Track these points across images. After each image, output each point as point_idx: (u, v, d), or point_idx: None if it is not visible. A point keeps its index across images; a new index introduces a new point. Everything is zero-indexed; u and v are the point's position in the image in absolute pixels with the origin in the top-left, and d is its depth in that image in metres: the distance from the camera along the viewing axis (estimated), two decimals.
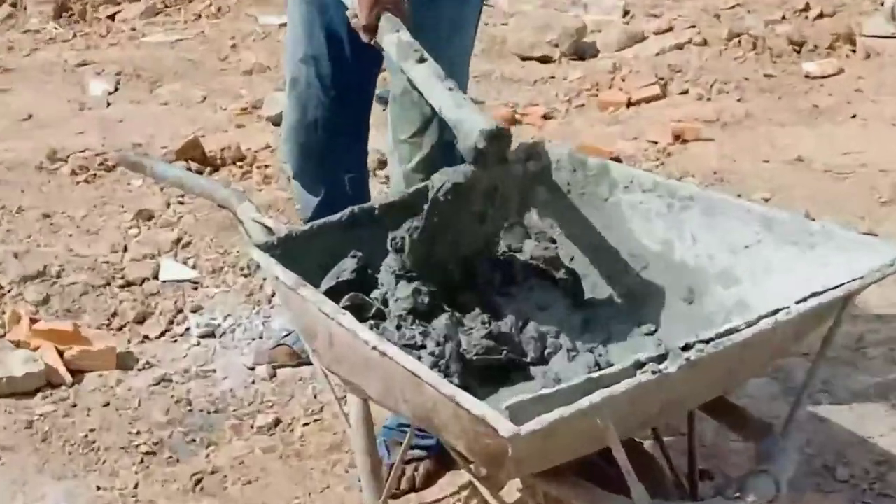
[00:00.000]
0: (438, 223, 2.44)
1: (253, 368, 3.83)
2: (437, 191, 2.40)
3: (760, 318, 2.02)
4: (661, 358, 1.90)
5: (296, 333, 3.73)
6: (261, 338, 4.02)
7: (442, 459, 3.21)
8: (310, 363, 3.72)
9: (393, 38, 2.62)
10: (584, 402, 1.81)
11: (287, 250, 2.59)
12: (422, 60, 2.53)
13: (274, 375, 3.79)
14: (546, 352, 2.43)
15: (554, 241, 2.81)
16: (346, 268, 2.54)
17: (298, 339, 3.71)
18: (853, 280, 2.16)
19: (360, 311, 2.42)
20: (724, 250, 2.52)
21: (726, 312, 2.46)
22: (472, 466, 2.53)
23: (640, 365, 1.89)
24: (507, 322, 2.46)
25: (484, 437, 1.87)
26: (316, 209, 3.29)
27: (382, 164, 5.24)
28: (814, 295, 2.10)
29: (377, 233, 2.64)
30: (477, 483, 2.49)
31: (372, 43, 2.72)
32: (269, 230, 2.81)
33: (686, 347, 1.93)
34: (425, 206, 2.42)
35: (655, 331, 2.57)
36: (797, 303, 2.06)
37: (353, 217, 2.68)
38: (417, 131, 3.03)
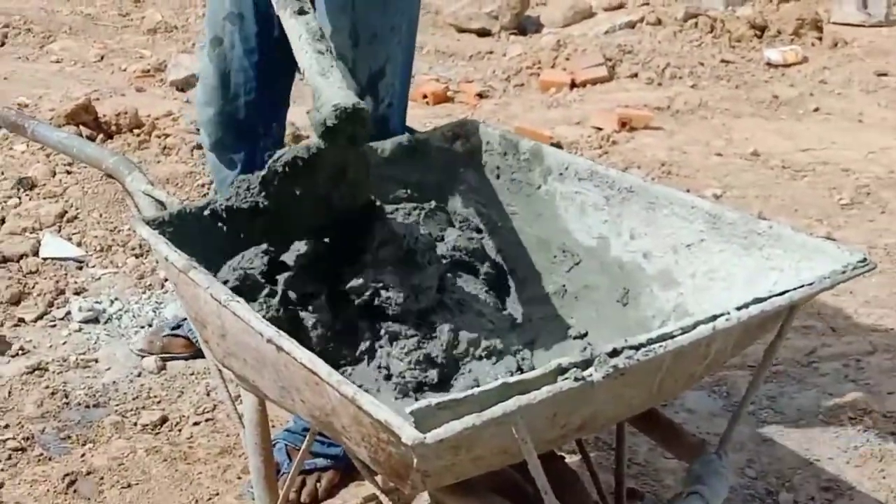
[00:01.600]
0: (277, 198, 2.40)
1: (142, 356, 3.77)
2: (274, 161, 2.37)
3: (697, 324, 2.00)
4: (586, 364, 1.87)
5: (190, 322, 3.70)
6: (150, 326, 3.97)
7: (347, 470, 3.19)
8: (202, 356, 3.70)
9: None
10: (498, 409, 1.78)
11: (180, 228, 2.54)
12: (301, 12, 2.47)
13: (163, 368, 3.75)
14: (461, 351, 2.40)
15: (480, 231, 2.79)
16: (255, 266, 2.50)
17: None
18: (801, 287, 2.15)
19: (252, 293, 2.40)
20: (665, 249, 2.51)
21: (664, 317, 2.45)
22: (376, 478, 2.51)
23: (562, 370, 1.85)
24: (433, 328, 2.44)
25: (387, 445, 1.84)
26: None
27: (297, 139, 5.21)
28: (756, 301, 2.08)
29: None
30: (381, 496, 2.46)
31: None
32: (162, 205, 2.77)
33: (614, 353, 1.90)
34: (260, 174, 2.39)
35: (586, 334, 2.56)
36: (738, 309, 2.05)
37: None
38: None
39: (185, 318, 3.79)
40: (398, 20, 3.00)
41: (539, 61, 6.81)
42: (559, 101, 6.30)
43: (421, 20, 7.55)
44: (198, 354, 3.73)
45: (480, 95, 6.36)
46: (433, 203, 2.76)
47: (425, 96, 6.17)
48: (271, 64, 3.24)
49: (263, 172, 2.37)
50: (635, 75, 6.61)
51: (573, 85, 6.50)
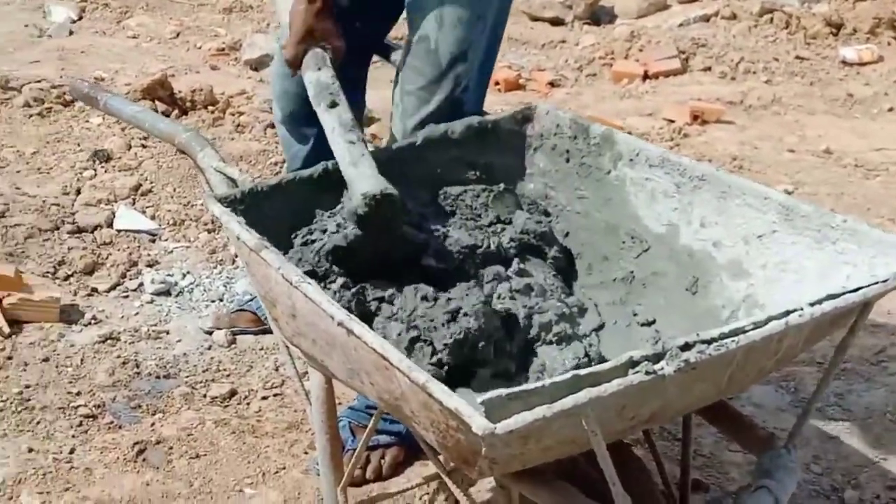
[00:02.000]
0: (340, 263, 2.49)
1: (210, 332, 3.82)
2: (319, 248, 2.46)
3: (769, 319, 1.98)
4: (658, 357, 1.86)
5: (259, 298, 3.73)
6: (221, 300, 4.01)
7: (411, 447, 3.20)
8: (270, 332, 3.73)
9: (312, 76, 2.71)
10: (569, 401, 1.77)
11: (251, 206, 2.56)
12: (333, 105, 2.62)
13: (233, 342, 3.78)
14: (533, 335, 2.41)
15: (548, 214, 2.80)
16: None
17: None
18: (875, 283, 2.13)
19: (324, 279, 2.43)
20: (736, 239, 2.50)
21: (733, 307, 2.44)
22: (440, 460, 2.52)
23: (633, 363, 1.84)
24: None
25: (456, 433, 1.84)
26: (305, 159, 3.26)
27: (369, 120, 5.23)
28: (830, 297, 2.06)
29: None
30: (445, 478, 2.47)
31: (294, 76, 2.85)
32: (233, 182, 2.79)
33: (685, 347, 1.88)
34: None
35: (654, 321, 2.55)
36: (811, 305, 2.03)
37: (327, 173, 2.66)
38: (428, 83, 2.98)
39: (249, 295, 3.82)
40: (485, 10, 3.00)
41: (612, 52, 6.79)
42: (631, 93, 6.29)
43: None
44: (266, 330, 3.76)
45: (552, 84, 6.36)
46: (501, 186, 2.77)
47: (497, 83, 6.17)
48: (350, 38, 3.25)
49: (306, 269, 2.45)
50: (709, 69, 6.57)
51: (646, 76, 6.48)
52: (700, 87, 6.32)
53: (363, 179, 2.43)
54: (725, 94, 6.20)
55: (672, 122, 5.76)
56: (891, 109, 6.10)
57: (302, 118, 3.31)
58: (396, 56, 3.61)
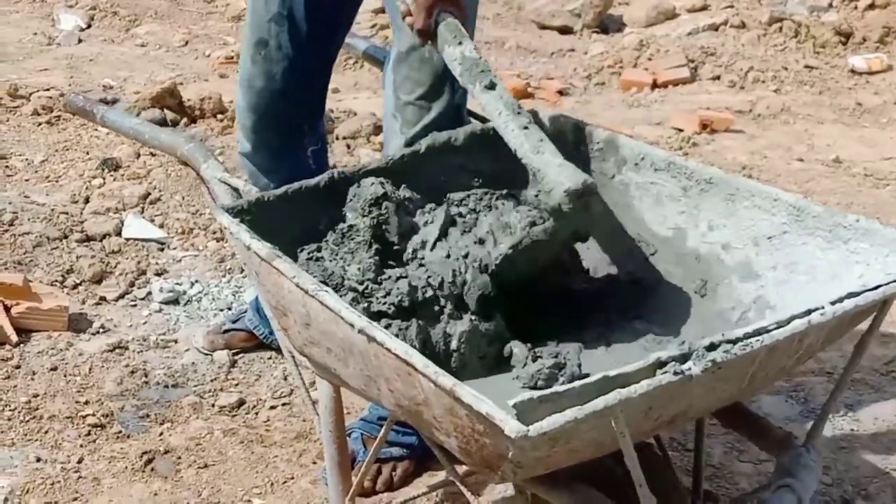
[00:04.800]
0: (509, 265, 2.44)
1: (206, 354, 3.79)
2: (516, 245, 2.40)
3: (792, 318, 1.99)
4: (684, 357, 1.88)
5: (251, 313, 3.73)
6: (230, 309, 4.00)
7: (422, 460, 3.20)
8: (268, 347, 3.74)
9: (456, 52, 2.57)
10: (599, 402, 1.79)
11: (258, 216, 2.54)
12: (492, 86, 2.50)
13: (234, 363, 3.74)
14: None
15: None
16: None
17: (258, 321, 3.70)
18: (894, 281, 2.13)
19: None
20: (745, 241, 2.50)
21: (743, 308, 2.44)
22: (455, 467, 2.51)
23: (660, 364, 1.86)
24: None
25: (483, 437, 1.85)
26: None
27: (378, 129, 5.23)
28: (851, 296, 2.07)
29: None
30: (459, 485, 2.46)
31: (426, 47, 2.72)
32: (238, 192, 2.77)
33: (711, 347, 1.91)
34: (494, 256, 2.43)
35: (664, 327, 2.55)
36: (832, 303, 2.04)
37: (333, 182, 2.64)
38: (427, 93, 2.98)
39: (245, 312, 3.80)
40: (470, 13, 3.01)
41: (621, 60, 6.79)
42: (640, 101, 6.28)
43: (503, 16, 7.58)
44: (260, 346, 3.76)
45: (561, 93, 6.35)
46: (505, 191, 2.76)
47: None
48: (318, 62, 3.26)
49: (506, 252, 2.42)
50: (718, 78, 6.57)
51: (654, 85, 6.47)
52: (709, 96, 6.32)
53: (557, 169, 2.37)
54: (734, 103, 6.19)
55: (681, 131, 5.75)
56: None
57: (275, 147, 3.30)
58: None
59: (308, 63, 3.23)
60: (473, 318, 2.37)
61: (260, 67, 3.23)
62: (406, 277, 2.41)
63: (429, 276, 2.41)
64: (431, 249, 2.46)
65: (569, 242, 2.53)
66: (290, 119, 3.29)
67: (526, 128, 2.43)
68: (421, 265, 2.44)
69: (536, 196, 2.42)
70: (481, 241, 2.46)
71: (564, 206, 2.33)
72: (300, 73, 3.23)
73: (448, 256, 2.43)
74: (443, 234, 2.48)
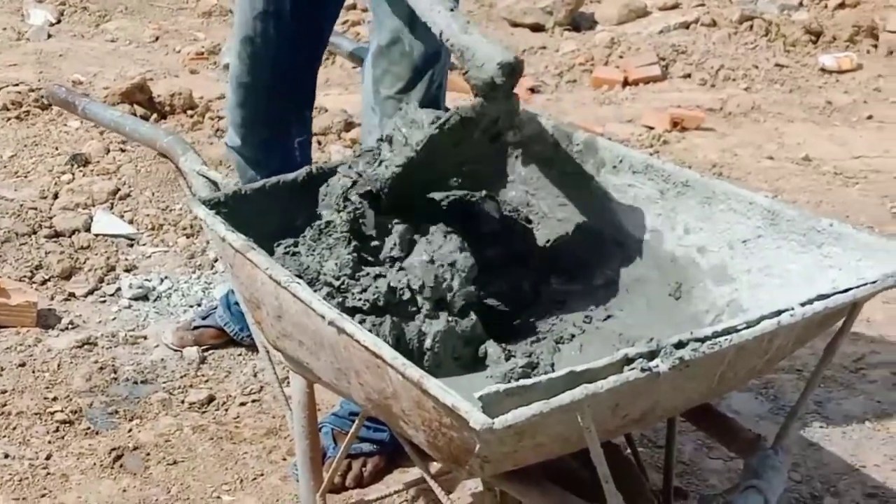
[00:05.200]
0: (423, 160, 2.42)
1: (175, 351, 3.77)
2: (441, 122, 2.37)
3: (761, 318, 2.00)
4: (652, 354, 1.89)
5: (221, 309, 3.72)
6: (199, 305, 3.99)
7: (392, 456, 3.19)
8: (238, 343, 3.73)
9: None
10: (566, 396, 1.79)
11: (235, 209, 2.54)
12: None
13: (204, 360, 3.72)
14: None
15: (529, 222, 2.79)
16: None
17: (228, 318, 3.69)
18: (865, 284, 2.14)
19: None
20: (720, 244, 2.50)
21: (717, 311, 2.44)
22: (426, 464, 2.51)
23: (628, 360, 1.86)
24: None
25: (450, 430, 1.84)
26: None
27: (349, 125, 5.22)
28: (820, 298, 2.08)
29: None
30: (430, 481, 2.46)
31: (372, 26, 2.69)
32: (216, 186, 2.77)
33: (679, 345, 1.91)
34: (414, 141, 2.39)
35: (637, 329, 2.55)
36: (802, 305, 2.05)
37: (310, 177, 2.65)
38: (405, 86, 2.98)
39: (215, 308, 3.79)
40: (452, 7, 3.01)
41: (592, 58, 6.79)
42: (611, 99, 6.29)
43: (474, 13, 7.57)
44: (230, 343, 3.75)
45: (532, 90, 6.35)
46: (483, 192, 2.76)
47: None
48: (304, 56, 3.26)
49: (432, 132, 2.38)
50: (689, 76, 6.58)
51: (626, 83, 6.48)
52: (680, 94, 6.33)
53: (486, 46, 2.34)
54: (705, 101, 6.20)
55: (652, 128, 5.76)
56: (870, 117, 6.11)
57: (264, 140, 3.31)
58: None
59: (294, 59, 3.23)
60: (450, 318, 2.36)
61: (247, 64, 3.23)
62: (385, 277, 2.40)
63: (409, 279, 2.40)
64: (408, 253, 2.45)
65: (489, 131, 2.46)
66: (277, 114, 3.29)
67: (452, 10, 2.42)
68: (401, 268, 2.43)
69: (465, 74, 2.35)
70: (463, 250, 2.45)
71: (497, 78, 2.30)
72: (286, 70, 3.23)
73: (432, 262, 2.42)
74: (423, 235, 2.48)
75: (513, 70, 2.32)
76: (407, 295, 2.38)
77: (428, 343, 2.34)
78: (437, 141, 2.39)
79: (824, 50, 6.99)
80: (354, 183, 2.53)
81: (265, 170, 3.24)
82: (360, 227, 2.49)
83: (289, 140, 3.34)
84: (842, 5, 7.51)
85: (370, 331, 2.26)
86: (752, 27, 7.18)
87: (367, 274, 2.41)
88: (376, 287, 2.38)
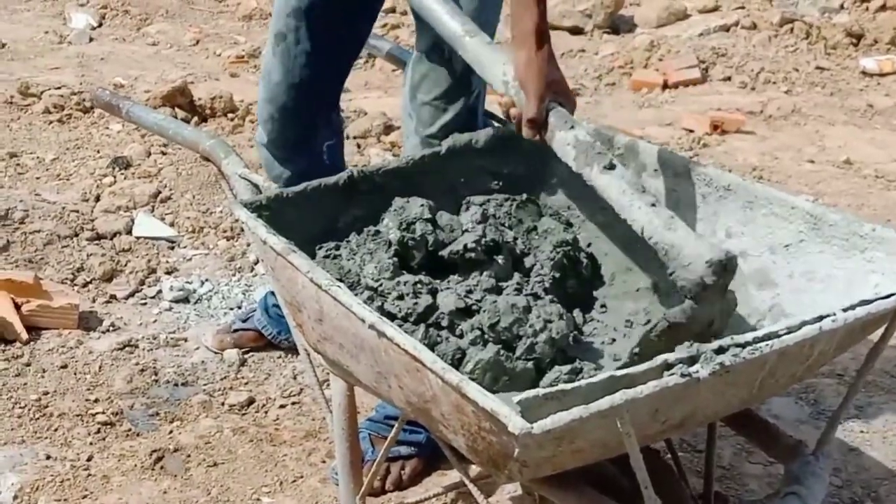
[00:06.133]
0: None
1: (216, 353, 3.79)
2: (649, 331, 2.23)
3: (803, 323, 1.99)
4: (692, 360, 1.88)
5: (260, 313, 3.74)
6: (240, 308, 4.00)
7: (430, 459, 3.19)
8: (277, 346, 3.74)
9: (569, 136, 2.47)
10: (605, 402, 1.78)
11: (276, 212, 2.56)
12: (611, 167, 2.40)
13: (244, 363, 3.74)
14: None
15: (570, 225, 2.79)
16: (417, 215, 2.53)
17: (267, 321, 3.70)
18: None
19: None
20: (762, 248, 2.49)
21: (759, 316, 2.44)
22: (465, 467, 2.51)
23: (668, 366, 1.86)
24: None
25: (489, 434, 1.85)
26: (288, 180, 3.23)
27: (388, 128, 5.22)
28: (863, 303, 2.07)
29: (375, 199, 2.64)
30: (469, 485, 2.46)
31: (535, 139, 2.57)
32: (257, 188, 2.79)
33: (720, 350, 1.90)
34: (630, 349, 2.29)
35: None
36: (844, 310, 2.04)
37: (352, 181, 2.66)
38: (444, 93, 2.97)
39: (254, 311, 3.80)
40: (492, 16, 3.01)
41: (631, 61, 6.78)
42: (650, 102, 6.27)
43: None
44: (269, 345, 3.76)
45: None
46: (524, 195, 2.77)
47: None
48: (335, 57, 3.26)
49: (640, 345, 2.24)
50: (729, 78, 6.55)
51: (665, 86, 6.46)
52: (720, 97, 6.31)
53: (694, 243, 2.22)
54: (745, 104, 6.18)
55: (691, 132, 5.74)
56: None
57: (290, 139, 3.30)
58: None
59: (325, 59, 3.21)
60: (503, 352, 2.31)
61: (278, 60, 3.23)
62: (428, 293, 2.41)
63: (487, 314, 2.36)
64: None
65: (704, 331, 2.24)
66: (305, 113, 3.28)
67: (654, 205, 2.31)
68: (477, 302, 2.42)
69: (671, 275, 2.25)
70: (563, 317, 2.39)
71: (707, 278, 2.17)
72: (317, 68, 3.22)
73: (526, 309, 2.37)
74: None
75: (724, 268, 2.18)
76: (447, 321, 2.38)
77: (469, 367, 2.29)
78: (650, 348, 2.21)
79: (865, 53, 6.95)
80: (431, 220, 2.53)
81: (292, 169, 3.27)
82: (407, 246, 2.50)
83: (317, 142, 3.33)
84: (883, 8, 7.46)
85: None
86: (792, 30, 7.14)
87: (406, 282, 2.42)
88: (415, 301, 2.39)
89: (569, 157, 2.46)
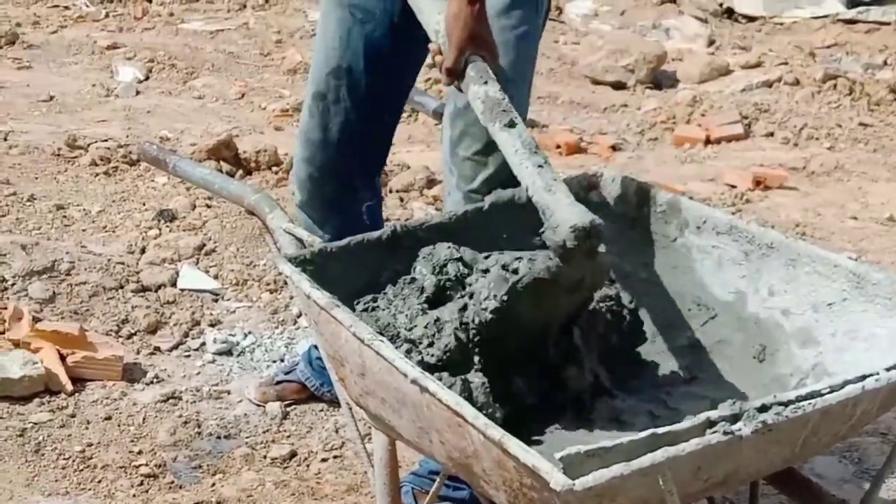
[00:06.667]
0: (508, 310, 2.41)
1: (258, 405, 3.80)
2: (515, 282, 2.38)
3: (846, 382, 1.99)
4: (735, 418, 1.89)
5: (303, 365, 3.75)
6: (282, 361, 4.02)
7: None
8: (320, 399, 3.75)
9: (480, 90, 2.57)
10: (646, 459, 1.79)
11: (320, 267, 2.58)
12: (511, 125, 2.50)
13: (286, 416, 3.74)
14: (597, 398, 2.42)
15: (613, 281, 2.79)
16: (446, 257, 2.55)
17: (310, 373, 3.71)
18: None
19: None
20: (805, 307, 2.50)
21: (801, 375, 2.44)
22: None
23: (710, 424, 1.87)
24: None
25: (531, 491, 1.85)
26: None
27: (431, 182, 5.25)
28: None
29: (418, 255, 2.65)
30: None
31: (453, 87, 2.70)
32: (301, 243, 2.81)
33: (763, 409, 1.91)
34: (498, 294, 2.41)
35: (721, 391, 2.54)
36: (887, 370, 2.04)
37: (395, 236, 2.68)
38: (484, 148, 2.98)
39: (297, 363, 3.81)
40: (526, 67, 3.02)
41: (674, 116, 6.80)
42: (693, 157, 6.28)
43: (556, 70, 7.57)
44: (312, 398, 3.77)
45: (614, 148, 6.36)
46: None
47: (558, 146, 6.17)
48: (376, 118, 3.27)
49: (502, 293, 2.39)
50: (771, 134, 6.56)
51: (707, 141, 6.47)
52: (762, 153, 6.31)
53: (565, 208, 2.34)
54: (788, 159, 6.18)
55: (734, 187, 5.75)
56: None
57: (328, 199, 3.30)
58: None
59: (366, 119, 3.23)
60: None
61: (317, 120, 3.24)
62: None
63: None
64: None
65: (575, 292, 2.44)
66: (344, 173, 3.29)
67: (540, 166, 2.42)
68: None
69: (541, 234, 2.37)
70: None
71: (569, 241, 2.30)
72: (356, 128, 3.23)
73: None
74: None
75: (587, 234, 2.30)
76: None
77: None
78: (514, 301, 2.39)
79: None
80: (460, 259, 2.55)
81: (329, 230, 3.25)
82: (447, 298, 2.51)
83: (356, 203, 3.33)
84: None
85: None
86: (835, 86, 7.15)
87: (437, 328, 2.44)
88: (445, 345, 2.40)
89: (478, 110, 2.57)
